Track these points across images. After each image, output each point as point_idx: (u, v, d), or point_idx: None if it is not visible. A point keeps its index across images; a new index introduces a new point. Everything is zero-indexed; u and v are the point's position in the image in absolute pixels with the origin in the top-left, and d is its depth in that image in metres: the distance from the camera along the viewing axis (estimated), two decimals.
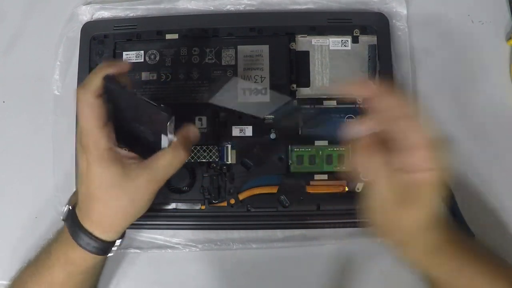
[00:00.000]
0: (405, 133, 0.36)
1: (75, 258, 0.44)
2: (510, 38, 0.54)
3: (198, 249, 0.53)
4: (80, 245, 0.43)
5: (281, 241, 0.53)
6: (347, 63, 0.54)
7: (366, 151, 0.38)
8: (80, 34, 0.55)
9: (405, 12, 0.54)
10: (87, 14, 0.56)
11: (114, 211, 0.42)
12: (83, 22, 0.55)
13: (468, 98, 0.55)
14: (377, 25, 0.54)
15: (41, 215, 0.55)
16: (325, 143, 0.52)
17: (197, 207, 0.52)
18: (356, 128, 0.38)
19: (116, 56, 0.54)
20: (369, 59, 0.53)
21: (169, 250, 0.53)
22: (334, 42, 0.54)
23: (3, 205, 0.55)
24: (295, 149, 0.52)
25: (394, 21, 0.54)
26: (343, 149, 0.52)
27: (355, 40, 0.54)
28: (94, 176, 0.41)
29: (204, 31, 0.54)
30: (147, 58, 0.54)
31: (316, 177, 0.52)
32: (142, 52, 0.54)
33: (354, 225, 0.52)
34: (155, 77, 0.54)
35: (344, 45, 0.54)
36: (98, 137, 0.40)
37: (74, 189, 0.47)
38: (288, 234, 0.53)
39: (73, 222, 0.43)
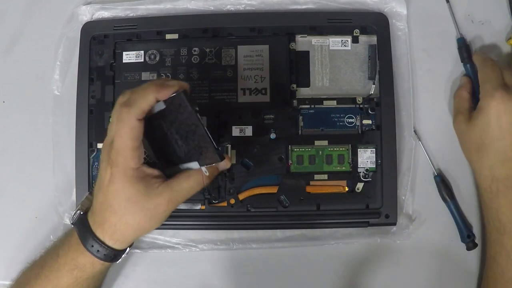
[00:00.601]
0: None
1: (83, 263, 0.44)
2: (510, 38, 0.54)
3: (198, 249, 0.53)
4: (90, 252, 0.43)
5: (281, 241, 0.53)
6: (347, 63, 0.54)
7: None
8: (80, 34, 0.55)
9: (405, 12, 0.54)
10: (87, 14, 0.56)
11: (128, 224, 0.42)
12: (83, 22, 0.55)
13: None
14: (377, 25, 0.54)
15: (41, 215, 0.55)
16: (325, 143, 0.52)
17: (197, 207, 0.52)
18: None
19: (116, 56, 0.54)
20: (369, 59, 0.53)
21: (169, 250, 0.53)
22: (334, 42, 0.54)
23: (3, 205, 0.56)
24: (295, 149, 0.52)
25: (394, 21, 0.54)
26: (343, 149, 0.52)
27: (355, 40, 0.54)
28: (115, 190, 0.41)
29: (204, 31, 0.54)
30: (147, 58, 0.54)
31: (316, 177, 0.52)
32: (142, 52, 0.54)
33: (354, 225, 0.52)
34: (155, 77, 0.54)
35: (344, 45, 0.54)
36: (130, 158, 0.40)
37: (86, 194, 0.47)
38: (288, 234, 0.53)
39: (83, 228, 0.43)
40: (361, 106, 0.53)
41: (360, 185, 0.52)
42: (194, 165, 0.43)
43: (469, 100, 0.52)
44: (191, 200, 0.48)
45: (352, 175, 0.52)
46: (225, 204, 0.52)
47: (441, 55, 0.55)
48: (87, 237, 0.43)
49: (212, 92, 0.53)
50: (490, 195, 0.48)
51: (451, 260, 0.53)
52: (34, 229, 0.54)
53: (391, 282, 0.53)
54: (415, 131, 0.54)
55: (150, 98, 0.40)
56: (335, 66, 0.54)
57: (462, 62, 0.54)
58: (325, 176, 0.52)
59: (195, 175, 0.43)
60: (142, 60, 0.54)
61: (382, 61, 0.53)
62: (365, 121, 0.53)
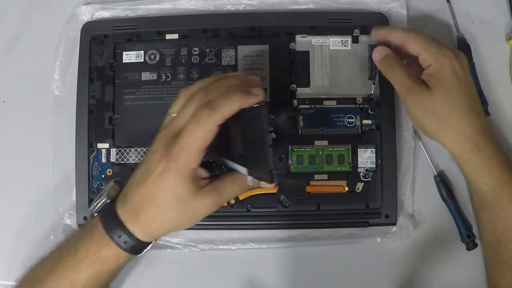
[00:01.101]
0: (408, 47, 0.46)
1: (108, 256, 0.42)
2: (510, 38, 0.54)
3: (198, 249, 0.53)
4: (116, 243, 0.41)
5: (281, 241, 0.53)
6: (347, 63, 0.54)
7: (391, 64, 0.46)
8: (80, 34, 0.55)
9: (405, 12, 0.54)
10: (87, 14, 0.56)
11: (167, 220, 0.41)
12: (83, 22, 0.55)
13: None
14: (377, 25, 0.53)
15: (41, 215, 0.55)
16: (325, 143, 0.52)
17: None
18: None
19: (116, 56, 0.54)
20: (369, 59, 0.53)
21: (169, 250, 0.53)
22: (334, 42, 0.54)
23: (3, 205, 0.55)
24: (295, 149, 0.52)
25: (394, 21, 0.54)
26: (343, 149, 0.52)
27: (355, 40, 0.54)
28: (165, 184, 0.40)
29: (204, 31, 0.54)
30: (147, 58, 0.54)
31: (316, 177, 0.52)
32: (142, 52, 0.54)
33: (354, 225, 0.52)
34: (155, 77, 0.54)
35: (344, 45, 0.54)
36: (193, 158, 0.39)
37: (111, 183, 0.45)
38: (288, 234, 0.53)
39: (110, 217, 0.42)
40: (361, 106, 0.53)
41: (360, 185, 0.52)
42: (242, 169, 0.42)
43: (403, 63, 0.47)
44: None
45: (352, 175, 0.52)
46: (225, 204, 0.52)
47: None
48: (114, 227, 0.41)
49: None
50: (474, 156, 0.46)
51: (451, 260, 0.53)
52: (34, 229, 0.54)
53: (391, 282, 0.53)
54: (415, 131, 0.54)
55: (234, 106, 0.39)
56: (335, 66, 0.54)
57: None
58: (325, 176, 0.52)
59: (240, 180, 0.42)
60: (142, 60, 0.54)
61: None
62: (365, 121, 0.53)
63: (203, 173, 0.41)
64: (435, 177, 0.53)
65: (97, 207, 0.43)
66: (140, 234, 0.42)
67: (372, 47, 0.52)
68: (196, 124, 0.39)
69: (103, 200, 0.43)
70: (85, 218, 0.53)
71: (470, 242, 0.52)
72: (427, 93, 0.45)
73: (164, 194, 0.40)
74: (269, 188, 0.45)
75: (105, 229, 0.42)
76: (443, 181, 0.53)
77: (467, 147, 0.46)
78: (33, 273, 0.46)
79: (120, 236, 0.41)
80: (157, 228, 0.42)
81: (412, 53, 0.47)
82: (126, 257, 0.43)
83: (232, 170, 0.43)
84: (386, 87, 0.52)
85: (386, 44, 0.48)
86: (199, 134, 0.39)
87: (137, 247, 0.42)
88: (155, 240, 0.44)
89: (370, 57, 0.53)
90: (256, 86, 0.41)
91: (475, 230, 0.52)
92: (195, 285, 0.54)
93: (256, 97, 0.39)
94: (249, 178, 0.42)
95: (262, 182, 0.41)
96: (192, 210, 0.41)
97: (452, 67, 0.45)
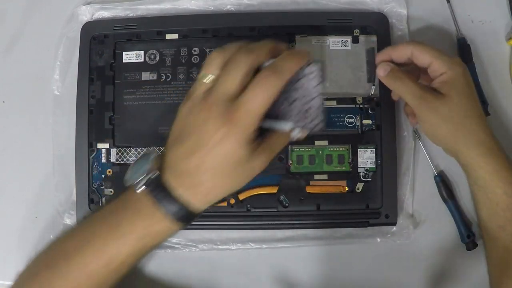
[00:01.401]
0: (418, 58, 0.46)
1: (158, 230, 0.40)
2: (510, 38, 0.54)
3: (198, 249, 0.53)
4: (172, 218, 0.40)
5: (281, 241, 0.53)
6: (347, 63, 0.54)
7: (401, 78, 0.46)
8: (80, 34, 0.55)
9: (405, 12, 0.54)
10: (87, 14, 0.56)
11: (225, 186, 0.40)
12: (83, 22, 0.55)
13: None
14: (377, 25, 0.54)
15: (41, 215, 0.55)
16: (325, 143, 0.52)
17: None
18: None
19: (116, 56, 0.54)
20: (367, 65, 0.53)
21: (169, 250, 0.53)
22: (334, 42, 0.54)
23: (3, 205, 0.56)
24: (295, 149, 0.52)
25: (394, 21, 0.54)
26: (343, 149, 0.52)
27: (355, 40, 0.54)
28: (225, 151, 0.38)
29: (204, 31, 0.54)
30: (147, 58, 0.54)
31: (316, 177, 0.52)
32: (142, 52, 0.54)
33: (354, 225, 0.52)
34: (155, 77, 0.54)
35: (344, 45, 0.54)
36: (256, 121, 0.38)
37: (153, 154, 0.42)
38: (288, 234, 0.53)
39: (163, 191, 0.40)
40: (361, 106, 0.53)
41: (360, 185, 0.52)
42: (287, 125, 0.42)
43: (410, 75, 0.48)
44: None
45: (352, 175, 0.52)
46: (225, 204, 0.52)
47: None
48: (169, 202, 0.39)
49: None
50: (488, 161, 0.46)
51: (451, 260, 0.53)
52: (34, 229, 0.54)
53: (391, 282, 0.53)
54: (415, 131, 0.54)
55: (296, 68, 0.40)
56: (335, 66, 0.54)
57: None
58: (325, 176, 0.52)
59: (284, 136, 0.42)
60: (142, 60, 0.54)
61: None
62: (365, 121, 0.53)
63: (256, 133, 0.40)
64: (435, 177, 0.53)
65: (143, 181, 0.40)
66: (196, 205, 0.40)
67: (367, 52, 0.52)
68: (262, 87, 0.38)
69: (152, 173, 0.40)
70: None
71: (470, 242, 0.52)
72: (441, 99, 0.45)
73: (225, 161, 0.39)
74: (301, 137, 0.44)
75: (158, 204, 0.40)
76: (443, 181, 0.53)
77: (481, 151, 0.46)
78: (54, 249, 0.43)
79: (175, 211, 0.40)
80: (215, 196, 0.41)
81: (421, 64, 0.47)
82: (178, 229, 0.41)
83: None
84: (386, 87, 0.52)
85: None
86: (265, 99, 0.38)
87: (191, 219, 0.41)
88: None
89: (368, 61, 0.53)
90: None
91: (475, 230, 0.52)
92: (195, 285, 0.54)
93: (307, 58, 0.41)
94: (296, 130, 0.42)
95: (295, 136, 0.43)
96: (249, 171, 0.40)
97: (464, 73, 0.46)
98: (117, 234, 0.41)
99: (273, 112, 0.41)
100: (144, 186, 0.40)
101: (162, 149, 0.42)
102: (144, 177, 0.40)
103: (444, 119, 0.46)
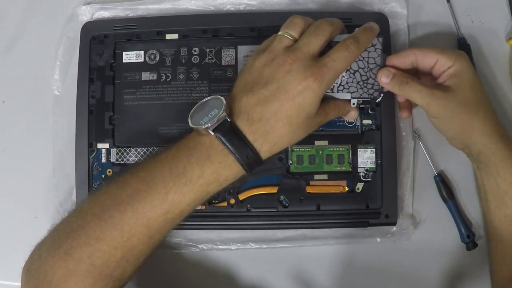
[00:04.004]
0: (422, 60, 0.47)
1: (227, 176, 0.41)
2: (510, 38, 0.54)
3: (198, 249, 0.53)
4: (242, 163, 0.41)
5: (281, 241, 0.53)
6: None
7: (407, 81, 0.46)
8: (80, 34, 0.55)
9: (405, 12, 0.54)
10: (87, 14, 0.56)
11: (291, 137, 0.43)
12: (83, 22, 0.55)
13: None
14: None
15: (41, 215, 0.55)
16: (325, 143, 0.52)
17: (197, 207, 0.52)
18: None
19: (116, 56, 0.54)
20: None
21: (169, 250, 0.53)
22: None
23: (3, 205, 0.56)
24: (295, 149, 0.52)
25: (394, 21, 0.54)
26: (343, 149, 0.52)
27: None
28: (304, 102, 0.41)
29: (204, 31, 0.54)
30: (147, 58, 0.54)
31: (316, 177, 0.52)
32: (142, 52, 0.54)
33: (354, 225, 0.52)
34: (155, 77, 0.54)
35: None
36: (333, 81, 0.44)
37: (223, 101, 0.42)
38: (288, 234, 0.53)
39: (236, 137, 0.40)
40: (361, 106, 0.53)
41: (360, 185, 0.52)
42: (346, 96, 0.46)
43: (414, 77, 0.48)
44: None
45: (352, 175, 0.52)
46: (225, 204, 0.52)
47: None
48: (242, 147, 0.40)
49: (212, 92, 0.53)
50: (501, 147, 0.47)
51: (451, 260, 0.53)
52: (34, 229, 0.54)
53: (391, 282, 0.53)
54: (415, 131, 0.54)
55: (370, 41, 0.45)
56: None
57: None
58: (325, 176, 0.52)
59: (342, 106, 0.47)
60: (142, 60, 0.54)
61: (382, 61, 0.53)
62: (365, 121, 0.53)
63: None
64: (435, 177, 0.53)
65: (214, 124, 0.40)
66: (265, 153, 0.42)
67: None
68: (345, 54, 0.43)
69: (223, 117, 0.41)
70: None
71: (470, 242, 0.52)
72: (451, 92, 0.46)
73: (301, 111, 0.42)
74: (355, 116, 0.49)
75: (231, 149, 0.40)
76: (443, 181, 0.53)
77: (494, 138, 0.46)
78: (102, 200, 0.42)
79: (247, 157, 0.41)
80: (281, 146, 0.43)
81: (426, 64, 0.47)
82: (243, 175, 0.43)
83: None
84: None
85: None
86: (346, 61, 0.43)
87: (257, 166, 0.42)
88: None
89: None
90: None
91: (474, 230, 0.52)
92: (195, 285, 0.54)
93: (377, 29, 0.46)
94: (353, 101, 0.47)
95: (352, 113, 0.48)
96: (309, 127, 0.44)
97: (470, 64, 0.47)
98: (183, 180, 0.40)
99: (336, 82, 0.46)
100: (209, 130, 0.40)
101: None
102: (216, 122, 0.40)
103: (457, 111, 0.46)
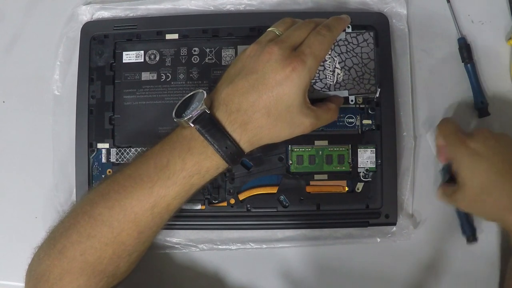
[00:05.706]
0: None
1: (208, 167, 0.41)
2: (510, 38, 0.54)
3: (198, 249, 0.53)
4: (222, 154, 0.41)
5: (281, 241, 0.53)
6: None
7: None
8: (80, 34, 0.55)
9: (405, 12, 0.54)
10: (87, 14, 0.56)
11: (272, 130, 0.42)
12: (83, 22, 0.55)
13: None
14: (377, 25, 0.54)
15: (41, 215, 0.55)
16: (325, 143, 0.52)
17: (197, 207, 0.52)
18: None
19: (116, 56, 0.54)
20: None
21: (169, 250, 0.53)
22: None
23: (3, 205, 0.56)
24: (295, 149, 0.52)
25: (394, 21, 0.54)
26: (343, 149, 0.52)
27: None
28: (283, 92, 0.41)
29: (204, 31, 0.54)
30: (147, 58, 0.54)
31: (316, 177, 0.52)
32: (142, 52, 0.54)
33: (354, 225, 0.52)
34: (155, 77, 0.54)
35: None
36: (315, 68, 0.43)
37: (205, 93, 0.42)
38: (288, 234, 0.53)
39: (215, 127, 0.41)
40: (361, 106, 0.53)
41: (360, 185, 0.52)
42: (342, 93, 0.46)
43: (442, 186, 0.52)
44: (191, 200, 0.48)
45: (352, 175, 0.52)
46: (225, 204, 0.52)
47: (441, 55, 0.55)
48: (220, 138, 0.40)
49: None
50: None
51: (451, 260, 0.53)
52: (34, 229, 0.54)
53: (391, 282, 0.53)
54: (415, 131, 0.54)
55: (342, 28, 0.45)
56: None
57: (462, 62, 0.54)
58: (325, 176, 0.52)
59: (334, 109, 0.45)
60: (142, 60, 0.54)
61: (382, 61, 0.53)
62: (365, 121, 0.53)
63: (309, 92, 0.43)
64: (440, 170, 0.53)
65: (194, 116, 0.41)
66: (244, 144, 0.42)
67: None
68: (323, 40, 0.43)
69: (202, 109, 0.41)
70: None
71: (471, 236, 0.51)
72: (460, 189, 0.47)
73: (279, 102, 0.41)
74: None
75: (210, 140, 0.41)
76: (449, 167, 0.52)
77: None
78: (93, 197, 0.43)
79: (226, 148, 0.41)
80: (261, 138, 0.42)
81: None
82: (224, 168, 0.42)
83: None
84: (386, 87, 0.52)
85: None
86: (322, 45, 0.42)
87: (238, 158, 0.42)
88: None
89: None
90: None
91: (476, 225, 0.52)
92: (195, 285, 0.54)
93: (348, 19, 0.46)
94: (351, 98, 0.47)
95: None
96: (294, 125, 0.42)
97: (466, 155, 0.47)
98: (167, 173, 0.41)
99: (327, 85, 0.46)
100: (190, 122, 0.41)
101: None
102: (196, 114, 0.41)
103: (474, 205, 0.48)
